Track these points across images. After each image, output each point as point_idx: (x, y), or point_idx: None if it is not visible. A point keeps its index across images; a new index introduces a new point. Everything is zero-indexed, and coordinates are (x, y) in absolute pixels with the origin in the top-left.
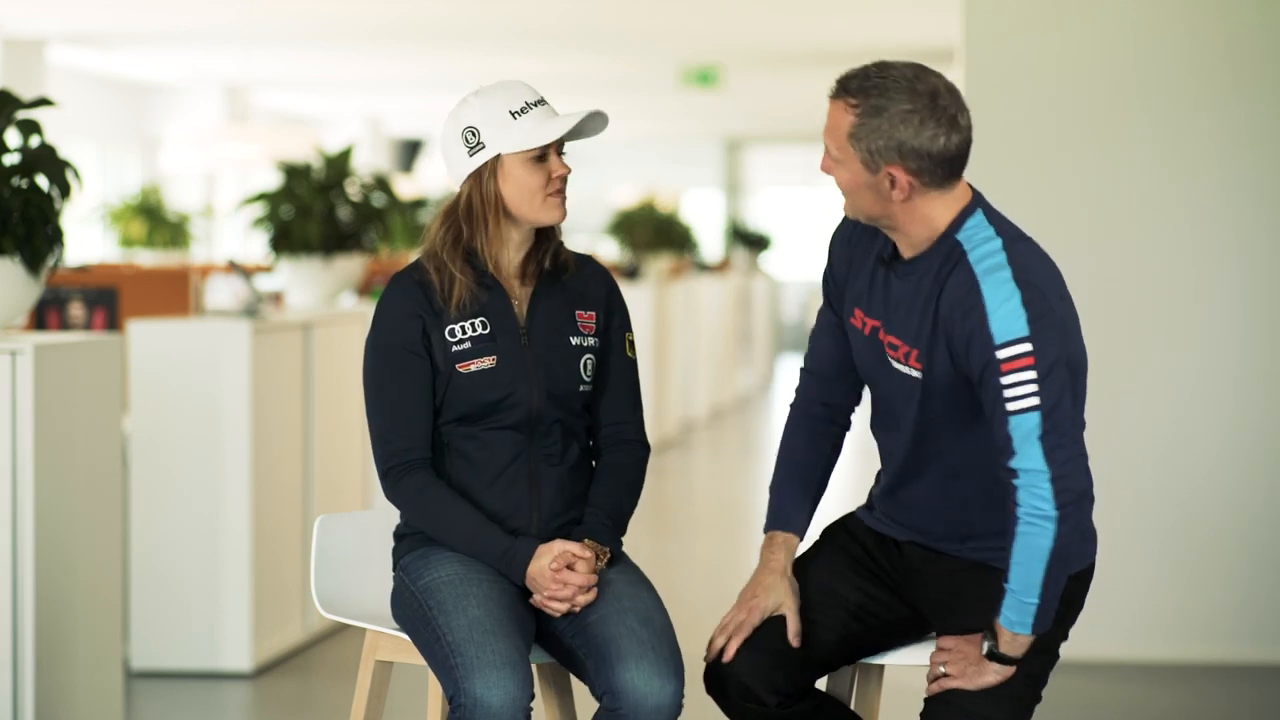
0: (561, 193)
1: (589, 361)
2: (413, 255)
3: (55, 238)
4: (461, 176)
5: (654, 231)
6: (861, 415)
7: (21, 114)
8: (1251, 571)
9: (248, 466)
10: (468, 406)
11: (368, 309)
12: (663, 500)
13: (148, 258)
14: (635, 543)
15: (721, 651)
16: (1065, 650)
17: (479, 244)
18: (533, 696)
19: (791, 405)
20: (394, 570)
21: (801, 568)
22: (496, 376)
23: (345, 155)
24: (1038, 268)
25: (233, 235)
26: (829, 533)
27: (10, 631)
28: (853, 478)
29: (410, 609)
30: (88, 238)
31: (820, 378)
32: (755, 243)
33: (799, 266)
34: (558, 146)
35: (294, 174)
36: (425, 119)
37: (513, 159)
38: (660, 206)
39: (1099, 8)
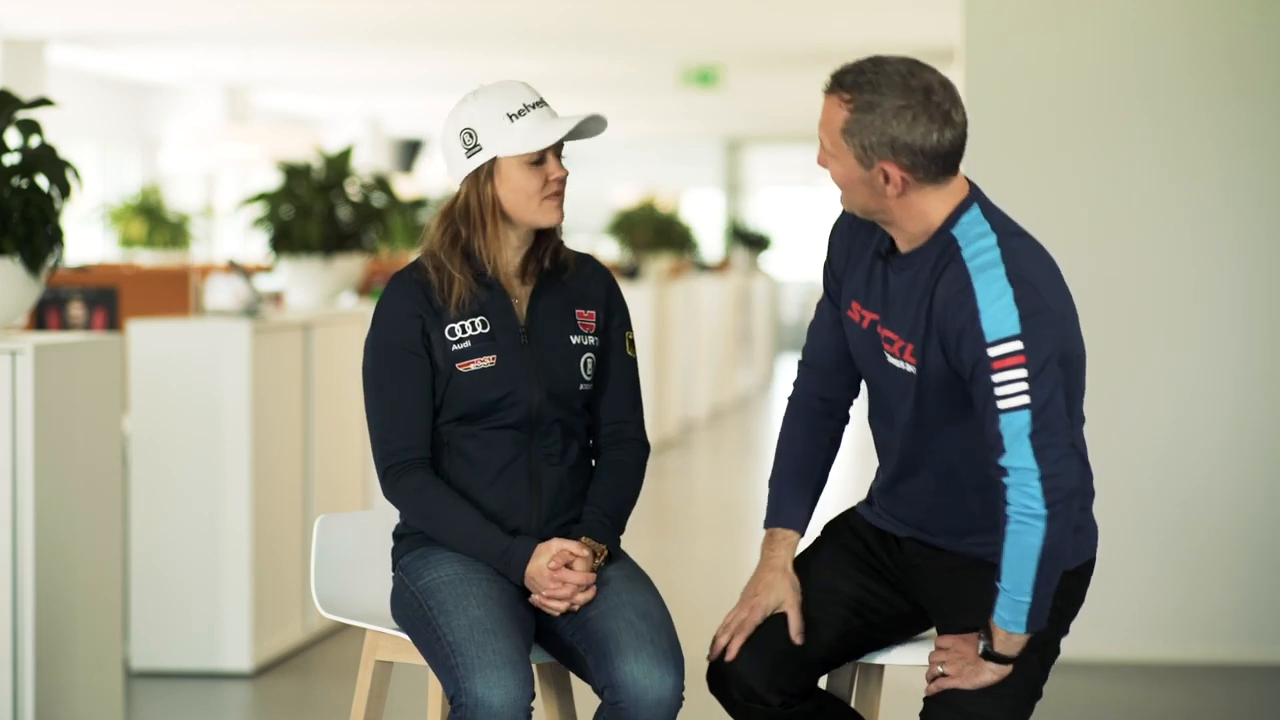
0: (559, 195)
1: (589, 360)
2: (412, 255)
3: (55, 238)
4: (460, 177)
5: (654, 231)
6: (860, 409)
7: (21, 114)
8: (1251, 571)
9: (248, 466)
10: (467, 406)
11: (368, 309)
12: (663, 500)
13: (148, 258)
14: (635, 542)
15: (724, 651)
16: (1065, 650)
17: (477, 245)
18: (533, 696)
19: (790, 399)
20: (394, 570)
21: (803, 564)
22: (496, 376)
23: (345, 155)
24: (1032, 264)
25: (233, 235)
26: (831, 529)
27: (10, 631)
28: (854, 471)
29: (410, 609)
30: (88, 238)
31: (819, 371)
32: (755, 243)
33: (799, 266)
34: (556, 149)
35: (294, 174)
36: (425, 119)
37: (509, 162)
38: (660, 206)
39: (1099, 8)
